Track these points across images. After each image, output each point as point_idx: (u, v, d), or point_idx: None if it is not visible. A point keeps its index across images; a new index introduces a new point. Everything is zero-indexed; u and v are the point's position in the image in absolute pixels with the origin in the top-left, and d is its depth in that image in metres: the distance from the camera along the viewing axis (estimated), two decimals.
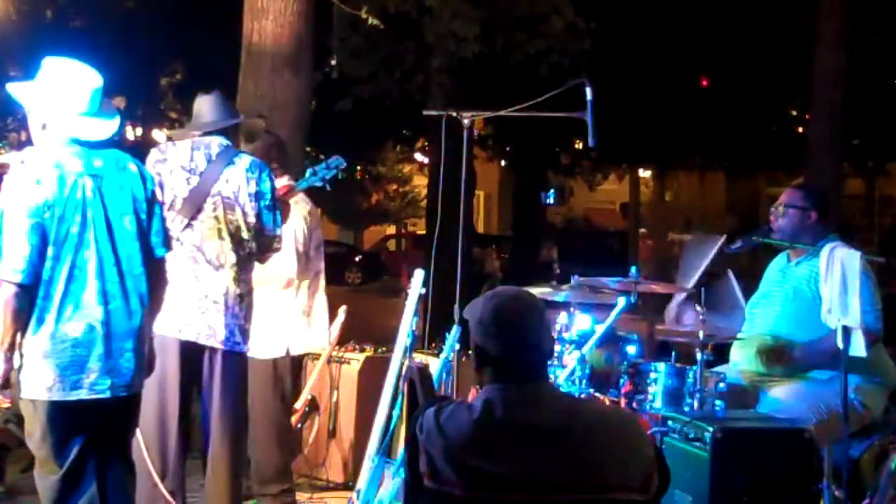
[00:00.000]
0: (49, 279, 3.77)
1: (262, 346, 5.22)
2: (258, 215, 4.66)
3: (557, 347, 5.07)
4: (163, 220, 4.10)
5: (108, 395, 3.85)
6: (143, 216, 3.98)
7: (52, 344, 3.78)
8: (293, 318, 5.37)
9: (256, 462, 5.32)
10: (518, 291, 2.93)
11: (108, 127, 3.95)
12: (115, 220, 3.89)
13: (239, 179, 4.63)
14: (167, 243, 4.10)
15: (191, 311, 4.53)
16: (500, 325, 2.80)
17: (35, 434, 3.89)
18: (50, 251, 3.76)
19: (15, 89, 3.97)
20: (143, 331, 3.98)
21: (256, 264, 4.80)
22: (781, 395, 4.80)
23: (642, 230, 20.77)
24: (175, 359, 4.51)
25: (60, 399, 3.80)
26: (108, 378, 3.84)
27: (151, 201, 4.03)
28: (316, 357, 6.09)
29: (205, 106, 4.78)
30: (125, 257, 3.91)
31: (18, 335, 3.76)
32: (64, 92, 3.89)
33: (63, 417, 3.84)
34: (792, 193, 5.15)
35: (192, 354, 4.58)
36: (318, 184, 5.22)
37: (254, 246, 4.69)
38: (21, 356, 3.79)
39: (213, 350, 4.59)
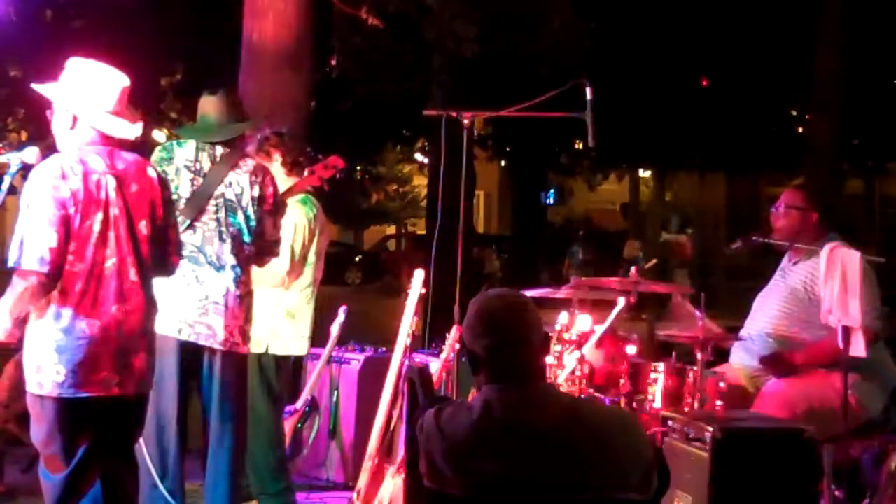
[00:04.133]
0: (69, 275, 3.77)
1: None
2: (260, 220, 4.66)
3: (557, 347, 5.07)
4: (177, 227, 4.12)
5: (118, 393, 3.86)
6: (159, 221, 4.00)
7: (68, 340, 3.78)
8: (277, 316, 5.32)
9: (251, 460, 5.31)
10: (501, 291, 2.95)
11: (133, 128, 3.99)
12: (135, 222, 3.91)
13: (242, 183, 4.63)
14: (179, 251, 4.12)
15: (191, 312, 4.53)
16: (484, 325, 2.81)
17: (42, 432, 3.88)
18: (72, 246, 3.77)
19: (42, 89, 3.98)
20: (155, 332, 3.99)
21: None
22: (777, 385, 4.81)
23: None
24: (174, 359, 4.50)
25: (71, 396, 3.80)
26: (121, 377, 3.85)
27: (167, 208, 4.05)
28: (316, 357, 6.08)
29: (210, 110, 4.76)
30: (143, 258, 3.92)
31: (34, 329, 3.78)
32: (95, 89, 3.92)
33: (73, 415, 3.83)
34: (792, 194, 5.15)
35: (191, 355, 4.57)
36: (315, 183, 5.22)
37: (253, 249, 4.69)
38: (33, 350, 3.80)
39: (212, 351, 4.59)
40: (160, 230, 4.00)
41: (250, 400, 5.14)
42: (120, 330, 3.84)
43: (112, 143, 3.95)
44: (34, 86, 4.02)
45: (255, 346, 5.28)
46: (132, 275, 3.88)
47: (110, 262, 3.83)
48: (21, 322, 3.79)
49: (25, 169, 3.93)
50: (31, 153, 3.98)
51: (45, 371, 3.79)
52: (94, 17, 15.35)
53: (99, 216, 3.82)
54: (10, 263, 3.73)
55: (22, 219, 3.76)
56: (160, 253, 4.01)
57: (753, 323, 5.10)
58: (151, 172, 4.04)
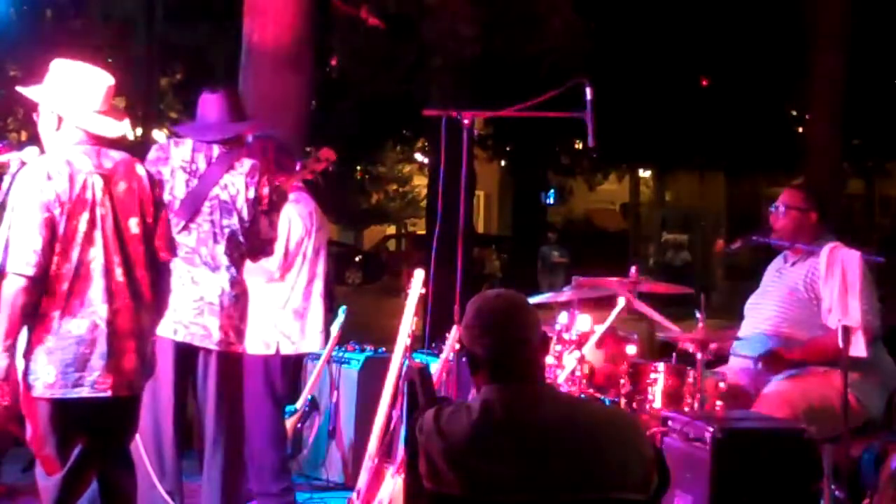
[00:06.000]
0: (55, 276, 3.77)
1: (253, 343, 5.19)
2: (255, 219, 4.65)
3: (557, 347, 5.07)
4: (168, 224, 4.12)
5: (109, 394, 3.85)
6: (149, 219, 4.00)
7: (56, 341, 3.78)
8: (285, 317, 5.34)
9: (252, 461, 5.31)
10: (500, 291, 2.94)
11: (119, 126, 3.99)
12: (123, 220, 3.91)
13: (238, 184, 4.62)
14: (172, 248, 4.11)
15: (186, 313, 4.52)
16: (483, 325, 2.80)
17: (36, 432, 3.89)
18: (57, 247, 3.77)
19: (27, 91, 3.98)
20: (146, 332, 3.98)
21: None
22: (777, 385, 4.81)
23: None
24: (170, 360, 4.49)
25: (62, 397, 3.80)
26: (111, 377, 3.84)
27: (157, 205, 4.05)
28: (316, 357, 6.09)
29: (209, 109, 4.75)
30: (131, 257, 3.92)
31: (22, 331, 3.76)
32: (79, 88, 3.92)
33: (65, 416, 3.83)
34: (792, 194, 5.15)
35: (186, 355, 4.57)
36: (307, 177, 5.22)
37: (248, 249, 4.68)
38: (25, 353, 3.79)
39: (207, 351, 4.59)
40: (151, 228, 4.00)
41: (253, 401, 5.15)
42: (108, 330, 3.83)
43: (99, 143, 3.95)
44: (20, 88, 4.03)
45: (264, 348, 5.28)
46: (119, 274, 3.87)
47: (97, 262, 3.83)
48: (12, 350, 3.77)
49: None
50: (31, 153, 3.99)
51: (36, 373, 3.79)
52: (93, 17, 15.36)
53: (85, 216, 3.82)
54: None
55: (7, 221, 3.77)
56: (151, 251, 4.00)
57: (751, 324, 5.10)
58: (141, 170, 4.03)
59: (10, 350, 3.74)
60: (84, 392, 3.81)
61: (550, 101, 4.75)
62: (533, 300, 5.16)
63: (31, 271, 3.71)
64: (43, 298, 3.77)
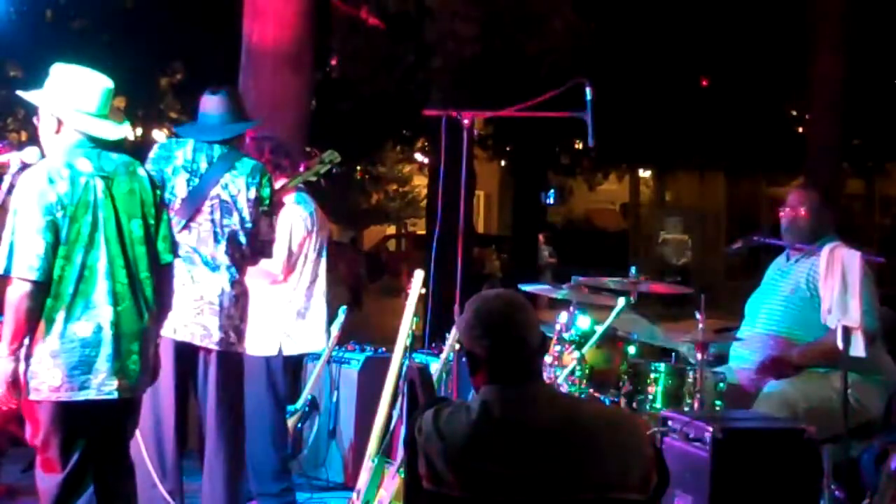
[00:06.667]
0: (59, 279, 3.78)
1: (255, 344, 5.20)
2: (255, 220, 4.65)
3: (557, 347, 5.07)
4: (170, 226, 4.12)
5: (115, 395, 3.86)
6: (151, 221, 4.00)
7: (61, 344, 3.78)
8: (287, 317, 5.35)
9: (253, 461, 5.32)
10: (500, 291, 2.94)
11: (119, 129, 4.00)
12: (125, 222, 3.92)
13: (239, 184, 4.62)
14: (174, 249, 4.12)
15: (186, 312, 4.53)
16: (483, 326, 2.80)
17: (40, 435, 3.88)
18: (61, 250, 3.77)
19: (27, 95, 3.99)
20: (149, 333, 3.99)
21: None
22: (777, 385, 4.82)
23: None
24: (170, 359, 4.49)
25: (68, 400, 3.80)
26: (116, 379, 3.85)
27: (159, 207, 4.06)
28: (316, 357, 6.09)
29: (211, 109, 4.74)
30: (133, 259, 3.92)
31: (28, 335, 3.76)
32: (77, 91, 3.93)
33: (70, 418, 3.84)
34: (798, 194, 5.17)
35: (187, 355, 4.57)
36: (312, 178, 5.22)
37: (248, 250, 4.69)
38: (27, 357, 3.79)
39: (207, 351, 4.59)
40: (152, 230, 4.00)
41: (255, 401, 5.15)
42: (113, 332, 3.84)
43: (99, 145, 3.96)
44: (20, 92, 4.04)
45: (266, 349, 5.29)
46: (122, 276, 3.88)
47: (100, 264, 3.84)
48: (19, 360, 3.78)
49: (25, 169, 3.94)
50: (31, 153, 3.99)
51: (41, 376, 3.79)
52: (94, 17, 15.37)
53: (88, 218, 3.82)
54: (0, 271, 3.74)
55: (10, 225, 3.77)
56: (154, 253, 4.00)
57: (752, 324, 5.10)
58: (141, 172, 4.04)
59: (16, 354, 3.75)
60: (91, 394, 3.82)
61: (550, 101, 4.76)
62: (527, 288, 5.19)
63: (35, 275, 3.72)
64: (48, 302, 3.77)
